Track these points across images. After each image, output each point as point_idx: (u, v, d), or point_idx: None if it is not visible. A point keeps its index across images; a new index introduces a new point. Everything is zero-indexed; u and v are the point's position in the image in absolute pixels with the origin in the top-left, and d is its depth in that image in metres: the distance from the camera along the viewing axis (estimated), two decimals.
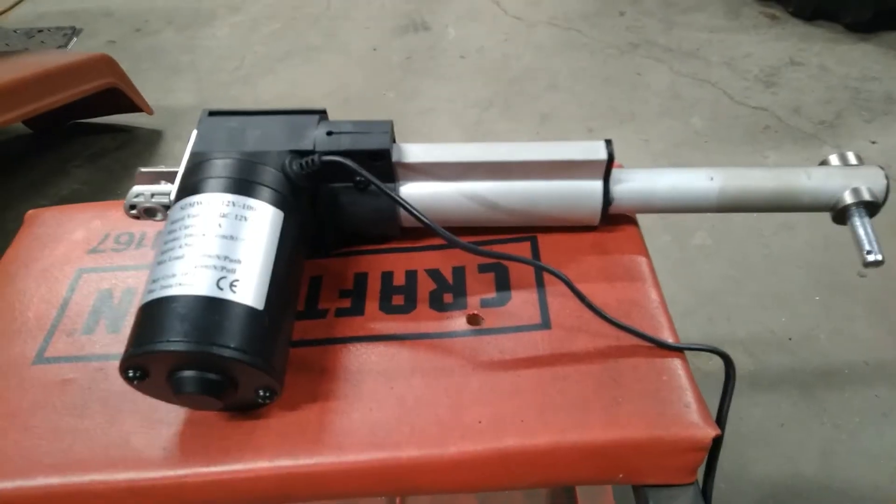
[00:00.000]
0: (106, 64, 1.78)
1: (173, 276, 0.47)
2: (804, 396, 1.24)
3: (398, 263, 0.63)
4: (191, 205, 0.51)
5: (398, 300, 0.60)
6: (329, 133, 0.57)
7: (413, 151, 0.59)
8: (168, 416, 0.51)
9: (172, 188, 0.56)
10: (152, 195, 0.57)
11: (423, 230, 0.54)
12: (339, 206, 0.59)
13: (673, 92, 2.01)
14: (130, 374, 0.47)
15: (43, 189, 1.81)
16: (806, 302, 1.41)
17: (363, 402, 0.52)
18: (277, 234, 0.51)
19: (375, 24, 2.40)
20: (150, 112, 1.95)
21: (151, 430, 0.51)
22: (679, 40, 2.23)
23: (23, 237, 0.67)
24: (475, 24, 2.37)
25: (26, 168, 1.88)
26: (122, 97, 1.85)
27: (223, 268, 0.48)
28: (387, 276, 0.62)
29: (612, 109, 1.97)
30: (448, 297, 0.60)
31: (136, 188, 0.58)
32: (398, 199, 0.55)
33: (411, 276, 0.62)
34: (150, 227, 0.66)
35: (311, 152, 0.56)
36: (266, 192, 0.53)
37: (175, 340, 0.45)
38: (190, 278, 0.47)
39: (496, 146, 0.59)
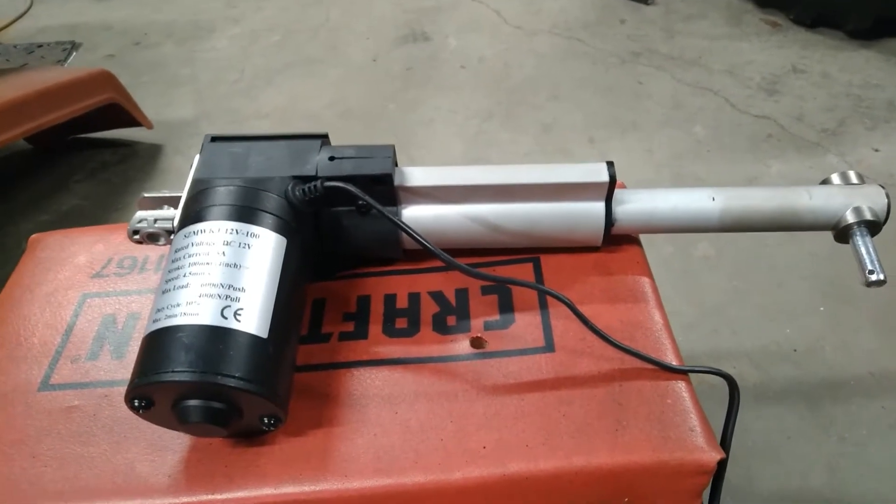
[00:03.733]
0: (105, 79, 1.78)
1: (178, 305, 0.47)
2: (810, 409, 1.24)
3: (401, 286, 0.63)
4: (194, 233, 0.51)
5: (401, 323, 0.60)
6: (331, 158, 0.57)
7: (415, 175, 0.59)
8: (173, 443, 0.52)
9: (175, 213, 0.56)
10: (155, 220, 0.57)
11: (425, 252, 0.54)
12: (341, 229, 0.59)
13: (675, 101, 2.01)
14: (136, 404, 0.47)
15: (44, 205, 1.81)
16: (811, 313, 1.40)
17: (368, 427, 0.52)
18: (280, 261, 0.52)
19: (375, 35, 2.40)
20: (150, 126, 1.95)
21: (156, 457, 0.51)
22: (680, 48, 2.22)
23: (26, 261, 0.67)
24: (476, 34, 2.37)
25: (27, 184, 1.88)
26: (121, 112, 1.85)
27: (227, 296, 0.48)
28: (390, 299, 0.62)
29: (614, 119, 1.97)
30: (451, 320, 0.60)
31: (140, 213, 0.58)
32: (400, 223, 0.55)
33: (414, 298, 0.62)
34: (152, 251, 0.67)
35: (314, 178, 0.56)
36: (269, 218, 0.53)
37: (180, 371, 0.45)
38: (195, 307, 0.47)
39: (498, 169, 0.60)
